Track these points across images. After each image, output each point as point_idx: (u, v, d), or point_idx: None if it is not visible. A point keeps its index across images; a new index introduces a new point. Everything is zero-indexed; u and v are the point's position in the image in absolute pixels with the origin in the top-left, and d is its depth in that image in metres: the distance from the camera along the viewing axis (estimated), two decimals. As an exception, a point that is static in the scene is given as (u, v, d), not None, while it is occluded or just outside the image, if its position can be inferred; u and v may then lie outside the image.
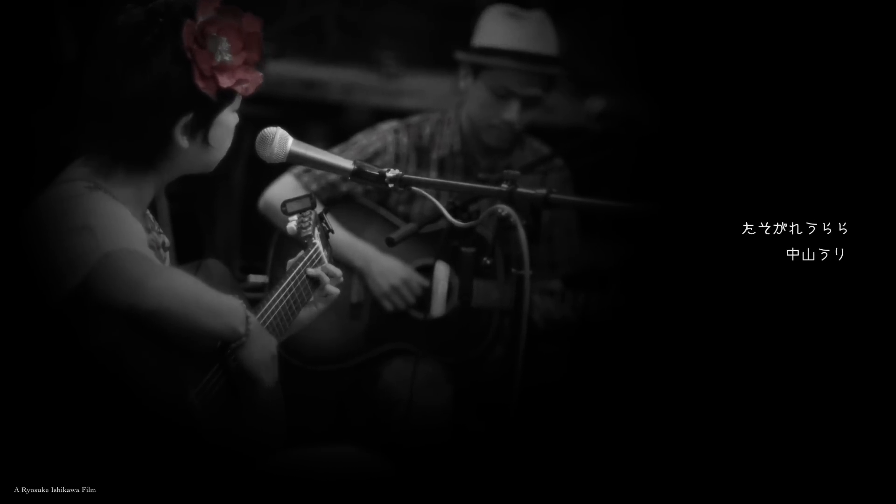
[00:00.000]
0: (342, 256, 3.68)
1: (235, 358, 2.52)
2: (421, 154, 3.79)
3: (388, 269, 3.68)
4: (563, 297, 3.64)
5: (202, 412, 2.44)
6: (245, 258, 5.40)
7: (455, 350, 3.60)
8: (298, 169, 3.71)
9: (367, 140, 3.79)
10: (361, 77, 5.90)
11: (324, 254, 2.83)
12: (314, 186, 3.72)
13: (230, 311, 2.47)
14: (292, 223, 2.80)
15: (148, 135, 2.51)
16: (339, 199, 3.76)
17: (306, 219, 2.80)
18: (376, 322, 3.72)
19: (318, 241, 2.81)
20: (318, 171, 3.68)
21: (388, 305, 3.69)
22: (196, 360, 2.48)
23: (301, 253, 2.78)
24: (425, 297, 3.66)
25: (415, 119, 3.86)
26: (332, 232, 2.90)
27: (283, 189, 3.72)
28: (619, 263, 5.01)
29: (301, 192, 3.67)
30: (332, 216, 3.69)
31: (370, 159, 3.72)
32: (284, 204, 2.78)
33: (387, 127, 3.83)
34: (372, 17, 6.73)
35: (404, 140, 3.79)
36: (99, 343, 2.33)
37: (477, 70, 3.74)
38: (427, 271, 3.68)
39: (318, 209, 2.85)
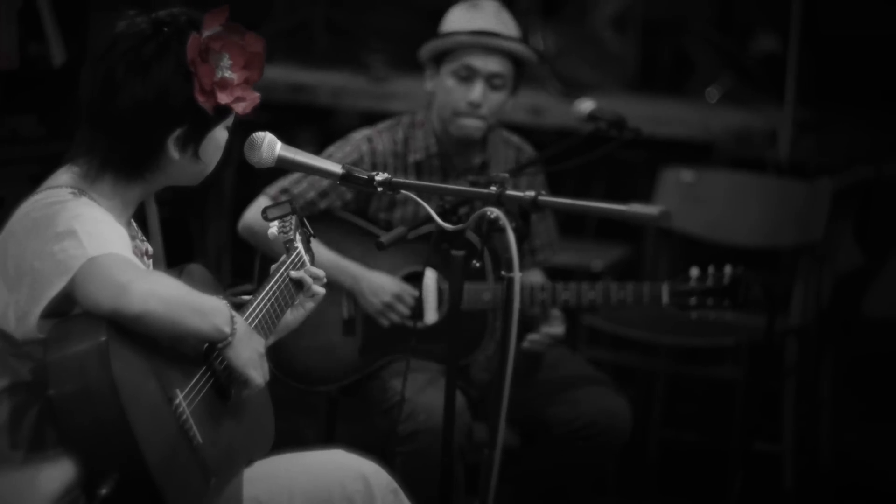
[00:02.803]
0: (330, 277, 3.66)
1: (223, 359, 2.51)
2: (397, 159, 3.77)
3: (378, 287, 3.65)
4: (550, 297, 3.61)
5: (189, 416, 2.43)
6: (235, 263, 5.40)
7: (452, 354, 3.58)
8: (274, 190, 3.69)
9: (341, 153, 3.75)
10: (350, 80, 5.89)
11: (306, 257, 2.83)
12: None
13: (215, 311, 2.47)
14: (273, 228, 2.81)
15: (140, 143, 2.51)
16: (316, 216, 3.72)
17: (287, 224, 2.81)
18: (371, 335, 3.70)
19: (299, 245, 2.82)
20: (296, 191, 3.67)
21: (383, 322, 3.67)
22: (183, 365, 2.48)
23: (283, 257, 2.78)
24: (418, 306, 3.64)
25: (384, 125, 3.83)
26: (314, 236, 2.91)
27: (259, 211, 3.69)
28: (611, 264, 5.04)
29: None
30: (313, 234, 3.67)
31: None
32: (265, 210, 2.80)
33: (359, 136, 3.79)
34: (360, 20, 6.73)
35: (379, 147, 3.76)
36: (84, 348, 2.32)
37: (439, 62, 3.74)
38: (414, 279, 3.66)
39: (299, 213, 2.86)
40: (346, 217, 3.73)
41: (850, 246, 5.18)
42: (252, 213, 3.69)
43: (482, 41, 3.69)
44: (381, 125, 3.82)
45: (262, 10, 6.34)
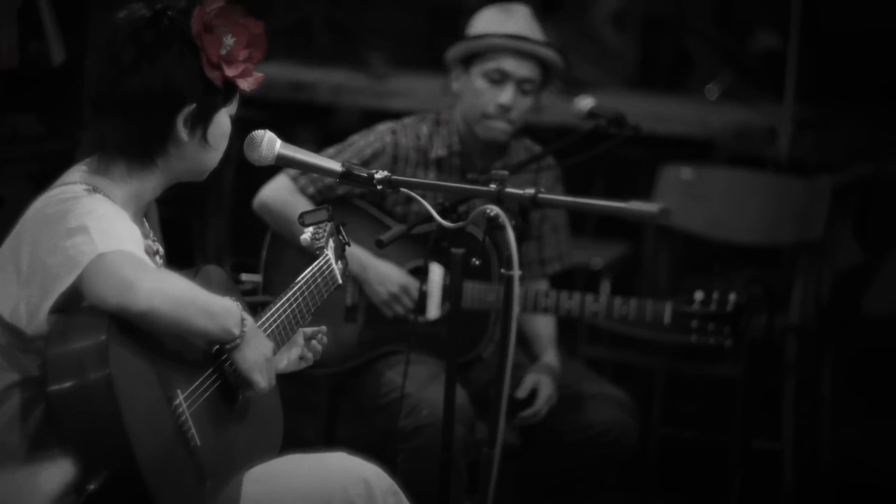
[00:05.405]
0: None
1: (231, 361, 2.51)
2: (419, 154, 3.77)
3: (386, 277, 3.65)
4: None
5: (188, 417, 2.43)
6: (235, 262, 5.40)
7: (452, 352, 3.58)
8: (295, 170, 3.68)
9: (364, 141, 3.75)
10: (350, 78, 5.89)
11: (336, 267, 2.81)
12: (311, 189, 3.69)
13: (224, 313, 2.46)
14: (306, 234, 2.79)
15: (152, 122, 2.52)
16: (333, 201, 3.72)
17: (321, 231, 2.79)
18: (372, 324, 3.70)
19: (329, 253, 2.80)
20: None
21: (387, 312, 3.66)
22: (188, 366, 2.48)
23: (312, 264, 2.77)
24: (421, 300, 3.64)
25: (409, 120, 3.83)
26: (349, 245, 2.89)
27: (278, 189, 3.68)
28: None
29: (296, 193, 3.65)
30: None
31: (368, 160, 3.70)
32: (302, 215, 2.77)
33: (384, 128, 3.79)
34: (360, 18, 6.74)
35: (402, 141, 3.76)
36: (84, 345, 2.32)
37: (468, 62, 3.72)
38: (421, 273, 3.66)
39: (336, 221, 2.84)
40: (361, 205, 3.73)
41: (849, 243, 5.18)
42: (269, 191, 3.68)
43: (519, 45, 3.69)
44: (406, 120, 3.82)
45: (263, 7, 6.33)
